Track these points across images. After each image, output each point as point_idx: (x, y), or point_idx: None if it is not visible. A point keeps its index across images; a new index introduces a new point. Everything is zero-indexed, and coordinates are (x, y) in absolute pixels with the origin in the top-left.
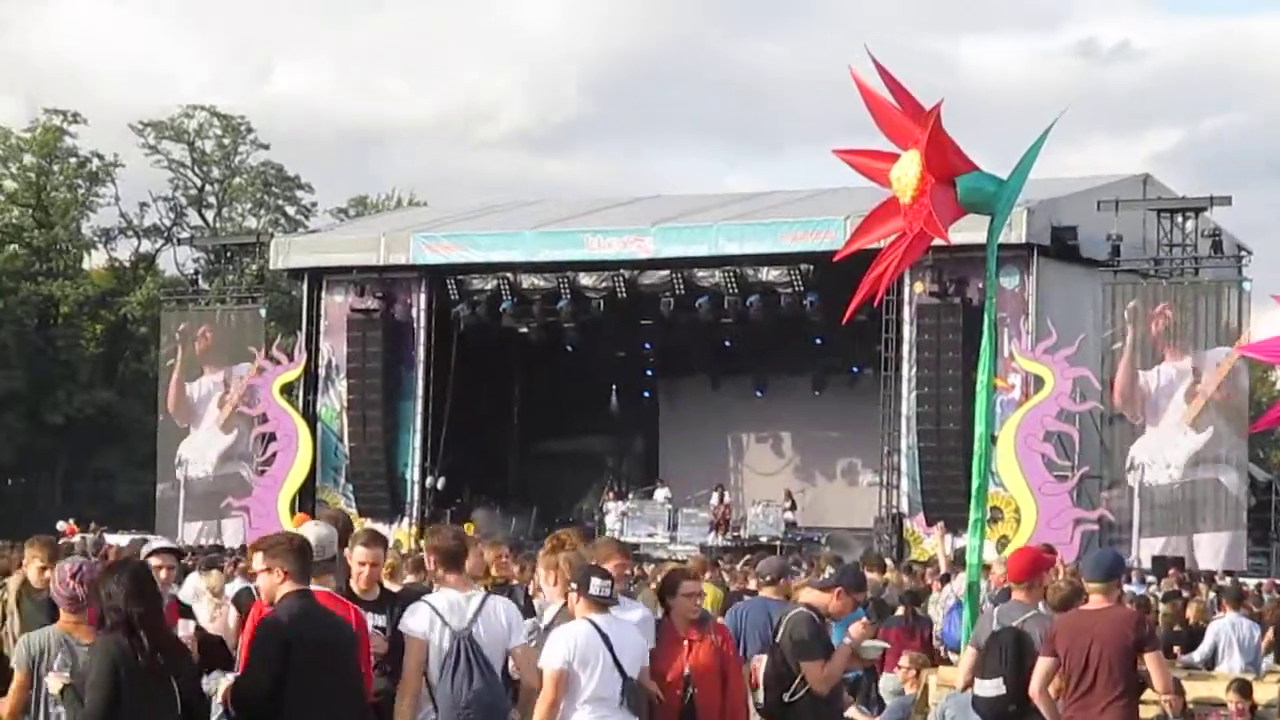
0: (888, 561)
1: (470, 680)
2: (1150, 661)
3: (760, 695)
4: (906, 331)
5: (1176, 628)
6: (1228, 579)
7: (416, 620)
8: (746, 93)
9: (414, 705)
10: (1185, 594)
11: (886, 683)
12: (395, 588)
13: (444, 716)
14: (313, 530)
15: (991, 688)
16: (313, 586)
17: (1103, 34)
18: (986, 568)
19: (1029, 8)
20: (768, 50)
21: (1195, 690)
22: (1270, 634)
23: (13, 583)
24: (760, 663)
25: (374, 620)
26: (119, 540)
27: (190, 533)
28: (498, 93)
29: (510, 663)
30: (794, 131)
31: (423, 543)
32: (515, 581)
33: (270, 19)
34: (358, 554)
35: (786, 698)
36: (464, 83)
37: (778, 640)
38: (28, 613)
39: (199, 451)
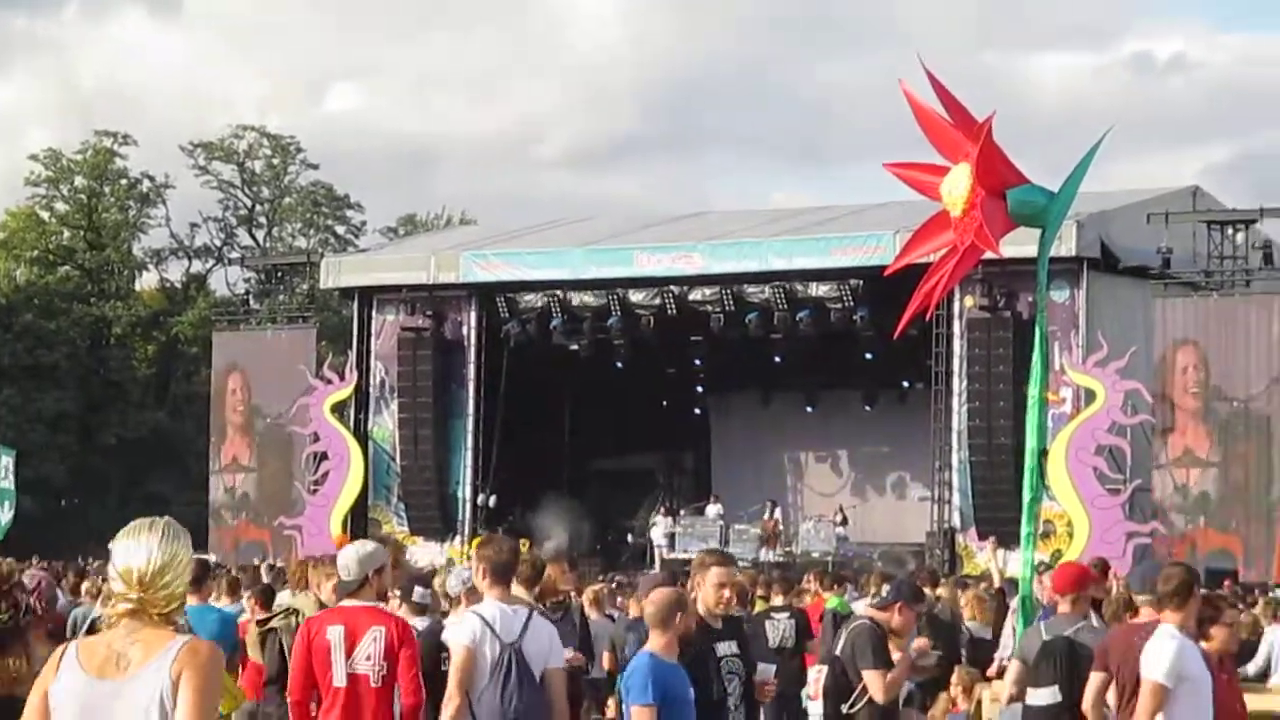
0: (941, 576)
1: (520, 692)
2: None
3: (819, 706)
4: (957, 346)
5: None
6: None
7: (462, 632)
8: (798, 108)
9: (459, 718)
10: (1239, 606)
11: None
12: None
13: None
14: (352, 550)
15: (1046, 696)
16: (347, 603)
17: (1157, 48)
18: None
19: (1084, 23)
20: (821, 66)
21: (1249, 703)
22: None
23: (305, 604)
24: (821, 674)
25: (731, 647)
26: None
27: (245, 553)
28: (551, 111)
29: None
30: (844, 146)
31: (473, 552)
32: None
33: (324, 39)
34: (715, 575)
35: (845, 709)
36: (518, 101)
37: (838, 652)
38: None
39: (247, 474)
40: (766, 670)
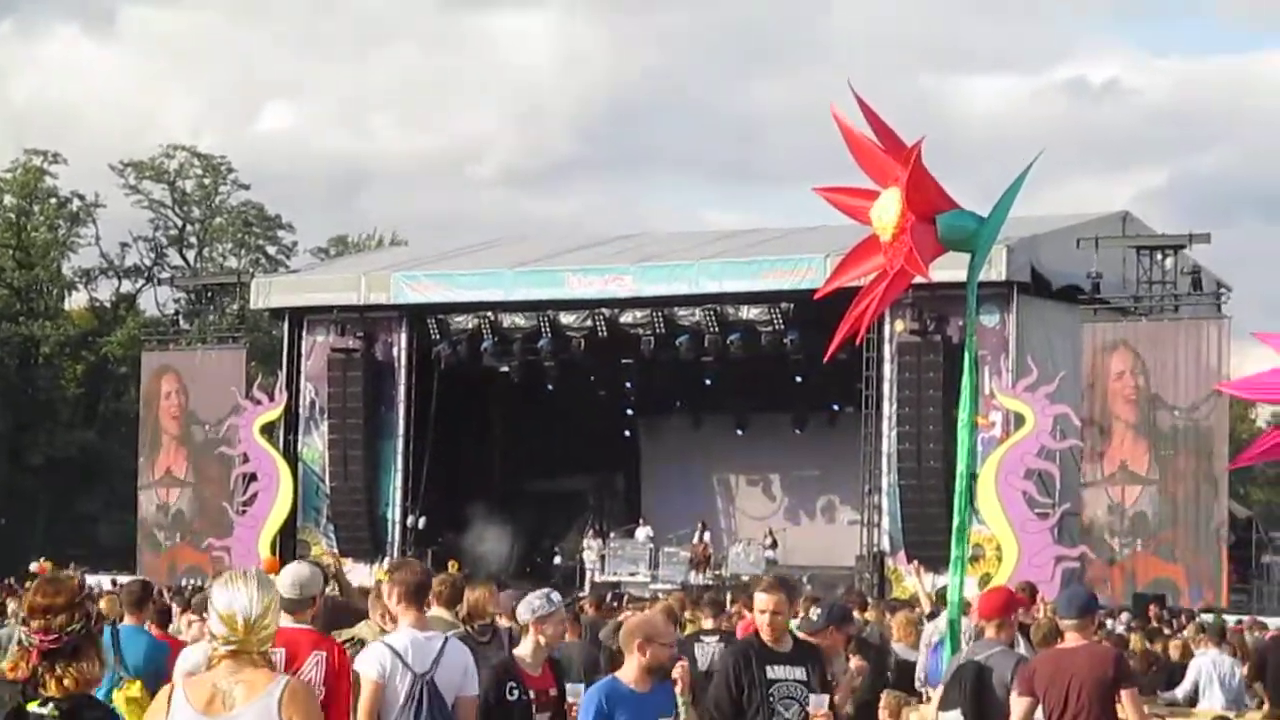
0: (869, 600)
1: None
2: (1126, 699)
3: None
4: (887, 369)
5: (1154, 667)
6: (1209, 615)
7: (370, 663)
8: (733, 130)
9: None
10: (1166, 631)
11: None
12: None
13: None
14: (291, 570)
15: (949, 718)
16: (290, 624)
17: (1092, 73)
18: (969, 605)
19: (1020, 47)
20: (756, 89)
21: None
22: (1250, 670)
23: (369, 633)
24: None
25: (793, 673)
26: (100, 580)
27: (185, 578)
28: (486, 132)
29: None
30: (779, 167)
31: (386, 576)
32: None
33: (257, 59)
34: (758, 601)
35: None
36: (452, 122)
37: None
38: None
39: (182, 489)
40: (820, 701)
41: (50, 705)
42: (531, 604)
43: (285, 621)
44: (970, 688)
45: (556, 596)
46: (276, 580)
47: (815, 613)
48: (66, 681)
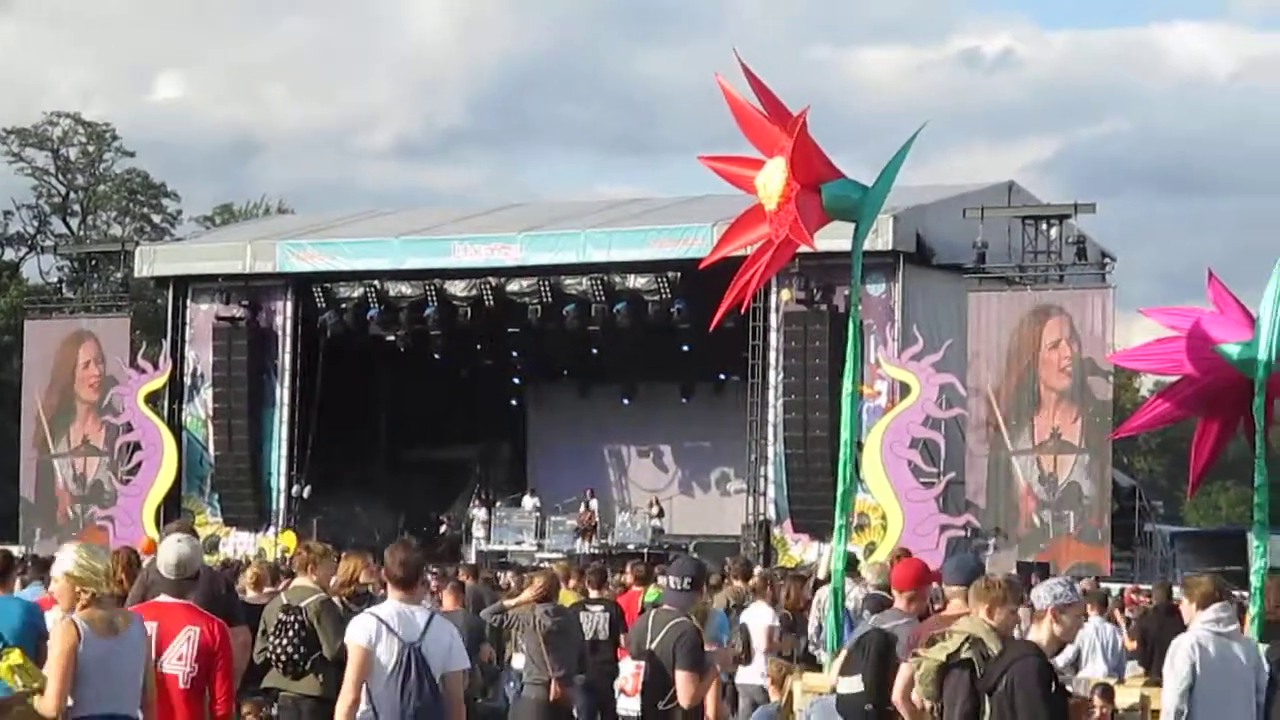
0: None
1: (420, 690)
2: None
3: (634, 701)
4: (773, 338)
5: None
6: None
7: (359, 632)
8: (624, 101)
9: (351, 716)
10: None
11: None
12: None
13: None
14: (174, 548)
15: (850, 685)
16: (164, 599)
17: (986, 44)
18: (855, 573)
19: (915, 19)
20: (649, 59)
21: None
22: (1134, 638)
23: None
24: (640, 669)
25: None
26: None
27: (53, 545)
28: (378, 102)
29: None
30: (670, 138)
31: (386, 559)
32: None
33: (149, 28)
34: None
35: (661, 705)
36: (344, 92)
37: (651, 646)
38: None
39: (63, 464)
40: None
41: None
42: (1054, 590)
43: (164, 598)
44: (874, 655)
45: (1079, 587)
46: (158, 559)
47: (674, 580)
48: None
